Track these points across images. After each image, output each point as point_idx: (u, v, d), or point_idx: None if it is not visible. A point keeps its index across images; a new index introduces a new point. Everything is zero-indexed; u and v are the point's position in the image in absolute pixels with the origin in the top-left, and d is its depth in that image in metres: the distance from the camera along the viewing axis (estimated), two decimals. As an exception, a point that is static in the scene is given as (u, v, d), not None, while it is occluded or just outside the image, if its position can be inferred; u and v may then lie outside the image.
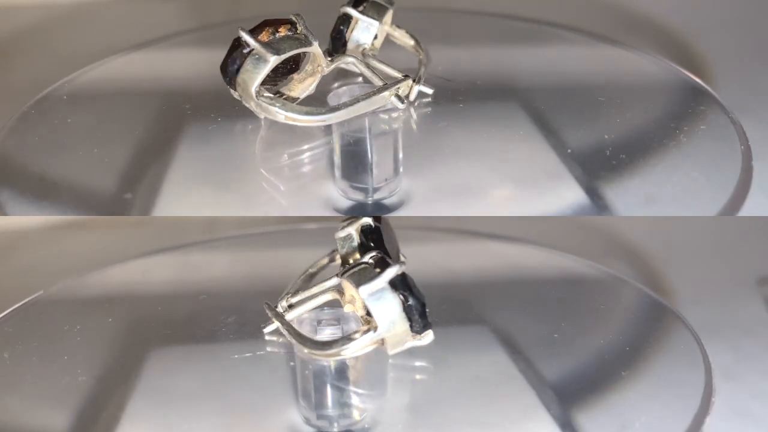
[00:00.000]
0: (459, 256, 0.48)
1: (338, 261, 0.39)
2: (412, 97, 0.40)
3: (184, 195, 0.38)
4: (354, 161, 0.38)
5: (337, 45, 0.42)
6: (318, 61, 0.39)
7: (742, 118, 0.42)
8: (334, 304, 0.37)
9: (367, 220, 0.38)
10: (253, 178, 0.39)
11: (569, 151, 0.40)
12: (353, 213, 0.38)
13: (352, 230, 0.38)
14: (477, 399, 0.37)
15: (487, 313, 0.42)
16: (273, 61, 0.37)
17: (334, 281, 0.36)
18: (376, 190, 0.38)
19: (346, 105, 0.38)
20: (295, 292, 0.38)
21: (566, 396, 0.37)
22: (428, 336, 0.35)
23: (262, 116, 0.39)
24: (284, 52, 0.37)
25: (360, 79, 0.42)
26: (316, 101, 0.39)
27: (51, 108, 0.43)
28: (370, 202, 0.38)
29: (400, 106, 0.39)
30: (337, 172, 0.38)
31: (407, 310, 0.34)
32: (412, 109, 0.41)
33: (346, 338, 0.34)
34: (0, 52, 0.59)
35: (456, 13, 0.51)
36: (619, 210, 0.38)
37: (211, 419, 0.37)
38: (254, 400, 0.37)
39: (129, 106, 0.43)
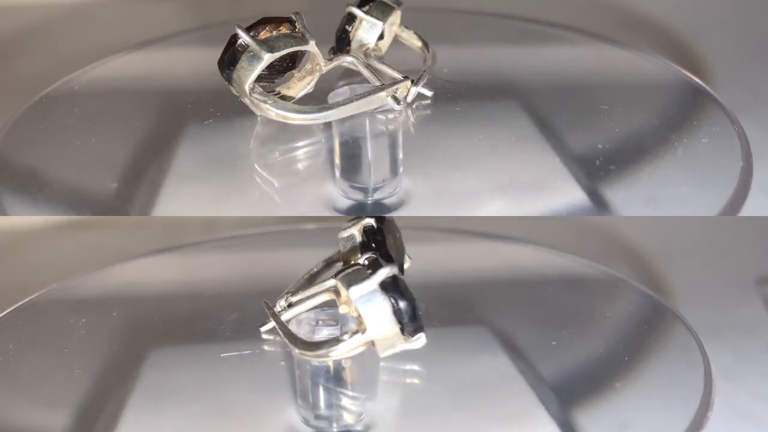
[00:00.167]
0: (459, 256, 0.48)
1: (341, 261, 0.39)
2: (409, 99, 0.40)
3: (184, 195, 0.38)
4: (352, 161, 0.38)
5: (341, 44, 0.42)
6: (317, 60, 0.39)
7: (742, 118, 0.42)
8: (332, 305, 0.37)
9: (371, 221, 0.38)
10: (253, 178, 0.39)
11: (569, 151, 0.40)
12: (353, 213, 0.38)
13: (355, 230, 0.38)
14: (476, 398, 0.37)
15: (486, 313, 0.42)
16: (267, 58, 0.37)
17: (331, 282, 0.36)
18: (375, 190, 0.38)
19: (339, 104, 0.38)
20: (296, 292, 0.38)
21: (566, 396, 0.37)
22: (420, 340, 0.34)
23: (258, 113, 0.39)
24: (279, 50, 0.37)
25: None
26: (316, 100, 0.39)
27: (51, 108, 0.43)
28: (369, 201, 0.38)
29: (396, 107, 0.39)
30: (337, 172, 0.38)
31: (397, 313, 0.33)
32: (409, 111, 0.41)
33: (335, 339, 0.34)
34: (0, 52, 0.59)
35: (456, 13, 0.51)
36: (619, 210, 0.38)
37: (210, 419, 0.36)
38: (253, 400, 0.37)
39: (129, 106, 0.43)
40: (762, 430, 0.42)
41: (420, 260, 0.41)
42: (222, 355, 0.39)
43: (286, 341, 0.35)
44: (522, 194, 0.38)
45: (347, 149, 0.38)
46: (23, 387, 0.38)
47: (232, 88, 0.38)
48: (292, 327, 0.36)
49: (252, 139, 0.40)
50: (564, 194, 0.38)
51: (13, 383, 0.39)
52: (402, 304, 0.33)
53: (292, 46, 0.38)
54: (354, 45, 0.42)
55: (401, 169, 0.38)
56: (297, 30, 0.38)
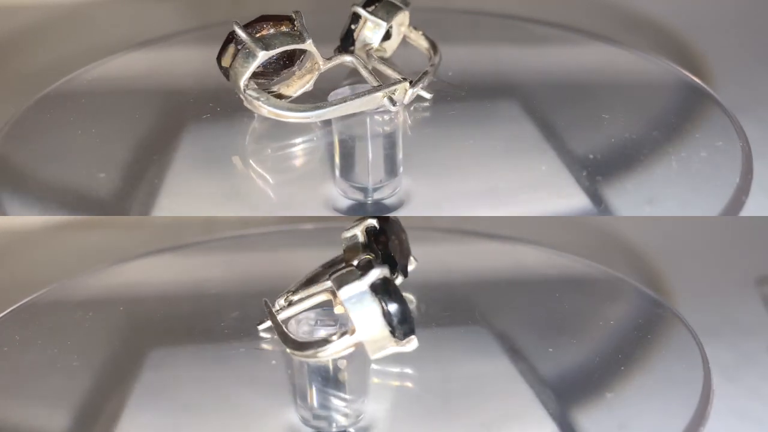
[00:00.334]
0: (459, 256, 0.48)
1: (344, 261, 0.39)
2: (406, 101, 0.40)
3: (184, 194, 0.38)
4: (350, 161, 0.38)
5: (346, 43, 0.42)
6: (315, 59, 0.39)
7: (742, 118, 0.42)
8: (332, 305, 0.37)
9: (373, 221, 0.38)
10: (253, 177, 0.39)
11: (569, 151, 0.40)
12: (353, 213, 0.38)
13: (358, 231, 0.38)
14: (476, 398, 0.37)
15: (486, 312, 0.42)
16: (262, 56, 0.37)
17: (328, 282, 0.36)
18: (375, 190, 0.38)
19: (332, 103, 0.38)
20: (296, 291, 0.38)
21: (565, 396, 0.37)
22: (411, 343, 0.34)
23: (252, 110, 0.39)
24: (274, 48, 0.37)
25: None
26: (316, 99, 0.39)
27: (51, 108, 0.43)
28: (369, 201, 0.38)
29: (392, 108, 0.38)
30: (337, 172, 0.38)
31: (386, 315, 0.33)
32: (407, 113, 0.41)
33: (324, 340, 0.34)
34: (0, 52, 0.59)
35: (456, 13, 0.51)
36: (619, 210, 0.38)
37: (209, 419, 0.37)
38: (252, 399, 0.37)
39: (129, 106, 0.43)
40: (762, 431, 0.42)
41: (420, 260, 0.41)
42: (233, 356, 0.39)
43: (280, 340, 0.35)
44: (522, 194, 0.38)
45: (347, 149, 0.38)
46: (23, 387, 0.38)
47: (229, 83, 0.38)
48: (292, 326, 0.36)
49: (248, 135, 0.40)
50: (564, 194, 0.38)
51: (13, 383, 0.39)
52: (392, 307, 0.33)
53: (288, 44, 0.38)
54: (358, 45, 0.42)
55: (401, 169, 0.38)
56: (295, 28, 0.38)
